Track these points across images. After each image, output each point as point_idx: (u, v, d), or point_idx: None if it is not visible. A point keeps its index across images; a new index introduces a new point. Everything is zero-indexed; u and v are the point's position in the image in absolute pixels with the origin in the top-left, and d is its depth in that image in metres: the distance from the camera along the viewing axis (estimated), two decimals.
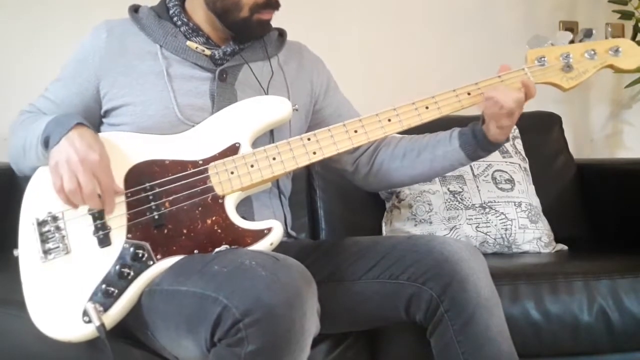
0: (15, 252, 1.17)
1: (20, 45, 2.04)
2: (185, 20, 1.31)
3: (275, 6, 1.29)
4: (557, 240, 1.83)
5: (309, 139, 1.21)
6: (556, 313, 1.44)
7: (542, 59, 1.29)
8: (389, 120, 1.24)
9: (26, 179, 1.25)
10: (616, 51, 1.29)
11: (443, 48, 2.38)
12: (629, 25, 2.40)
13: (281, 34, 1.42)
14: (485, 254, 1.46)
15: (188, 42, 1.28)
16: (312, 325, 1.01)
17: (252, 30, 1.29)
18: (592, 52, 1.28)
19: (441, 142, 1.34)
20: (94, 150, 1.13)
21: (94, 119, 1.30)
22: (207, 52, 1.29)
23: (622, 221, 1.91)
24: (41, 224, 1.16)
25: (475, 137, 1.29)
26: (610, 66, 1.30)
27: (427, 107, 1.25)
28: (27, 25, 2.05)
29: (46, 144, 1.16)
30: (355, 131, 1.23)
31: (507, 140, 1.31)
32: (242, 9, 1.25)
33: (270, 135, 1.27)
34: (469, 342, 1.13)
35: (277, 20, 1.32)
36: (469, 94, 1.26)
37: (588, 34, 1.29)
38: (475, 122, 1.31)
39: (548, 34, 1.32)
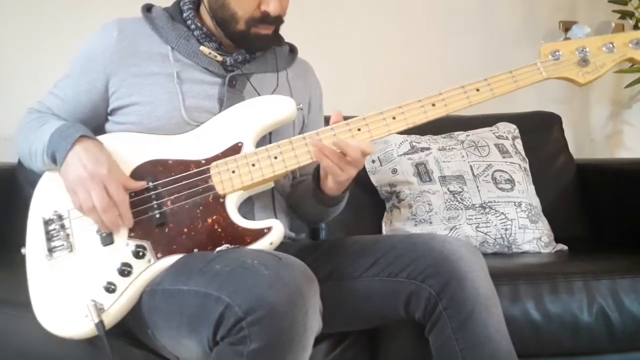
0: (22, 251, 1.18)
1: (19, 46, 2.04)
2: (199, 25, 1.30)
3: (274, 22, 1.27)
4: (557, 240, 1.83)
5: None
6: (556, 313, 1.43)
7: (557, 53, 1.23)
8: (394, 118, 1.21)
9: (27, 180, 1.26)
10: (637, 44, 1.22)
11: (443, 48, 2.38)
12: (629, 25, 2.40)
13: (292, 49, 1.43)
14: (485, 254, 1.45)
15: (201, 47, 1.28)
16: (314, 324, 1.02)
17: (251, 44, 1.29)
18: (611, 45, 1.22)
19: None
20: (101, 163, 1.14)
21: (100, 117, 1.30)
22: (219, 58, 1.29)
23: (622, 221, 1.91)
24: (47, 222, 1.18)
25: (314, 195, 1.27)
26: (631, 59, 1.24)
27: (433, 105, 1.21)
28: (26, 26, 2.05)
29: (53, 159, 1.18)
30: (359, 129, 1.20)
31: (344, 194, 1.26)
32: (239, 22, 1.25)
33: (268, 137, 1.26)
34: (467, 339, 1.14)
35: None
36: (477, 90, 1.22)
37: (606, 28, 1.23)
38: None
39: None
